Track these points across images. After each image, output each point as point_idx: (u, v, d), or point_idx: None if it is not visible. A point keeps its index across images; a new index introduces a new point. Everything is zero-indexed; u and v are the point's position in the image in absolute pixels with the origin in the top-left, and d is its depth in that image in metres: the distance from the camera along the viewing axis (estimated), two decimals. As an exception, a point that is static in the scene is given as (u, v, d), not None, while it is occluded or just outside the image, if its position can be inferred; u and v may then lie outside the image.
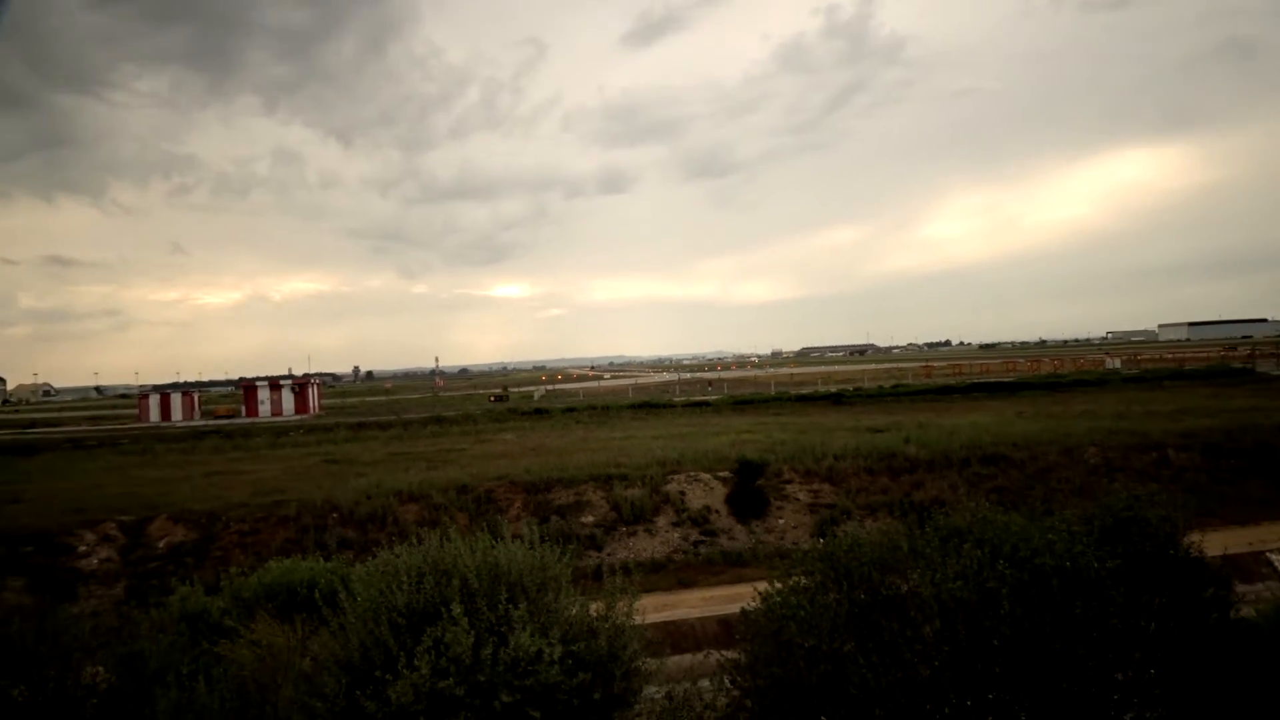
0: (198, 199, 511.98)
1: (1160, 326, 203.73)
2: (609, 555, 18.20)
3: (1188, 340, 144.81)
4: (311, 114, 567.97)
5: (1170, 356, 70.35)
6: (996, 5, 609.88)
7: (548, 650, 5.16)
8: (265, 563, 8.38)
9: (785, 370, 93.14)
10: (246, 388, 62.65)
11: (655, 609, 11.84)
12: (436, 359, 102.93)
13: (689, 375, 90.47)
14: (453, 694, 4.94)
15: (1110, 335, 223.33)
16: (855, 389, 49.37)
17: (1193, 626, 6.67)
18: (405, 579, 5.50)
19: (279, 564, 7.97)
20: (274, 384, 61.52)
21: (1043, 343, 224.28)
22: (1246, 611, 7.29)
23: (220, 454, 33.41)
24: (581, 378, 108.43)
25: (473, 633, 5.14)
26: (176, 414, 56.76)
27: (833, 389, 49.52)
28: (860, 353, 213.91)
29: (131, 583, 17.32)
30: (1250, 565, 14.78)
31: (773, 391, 50.03)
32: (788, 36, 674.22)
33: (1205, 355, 67.84)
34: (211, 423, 51.77)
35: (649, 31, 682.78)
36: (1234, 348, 76.70)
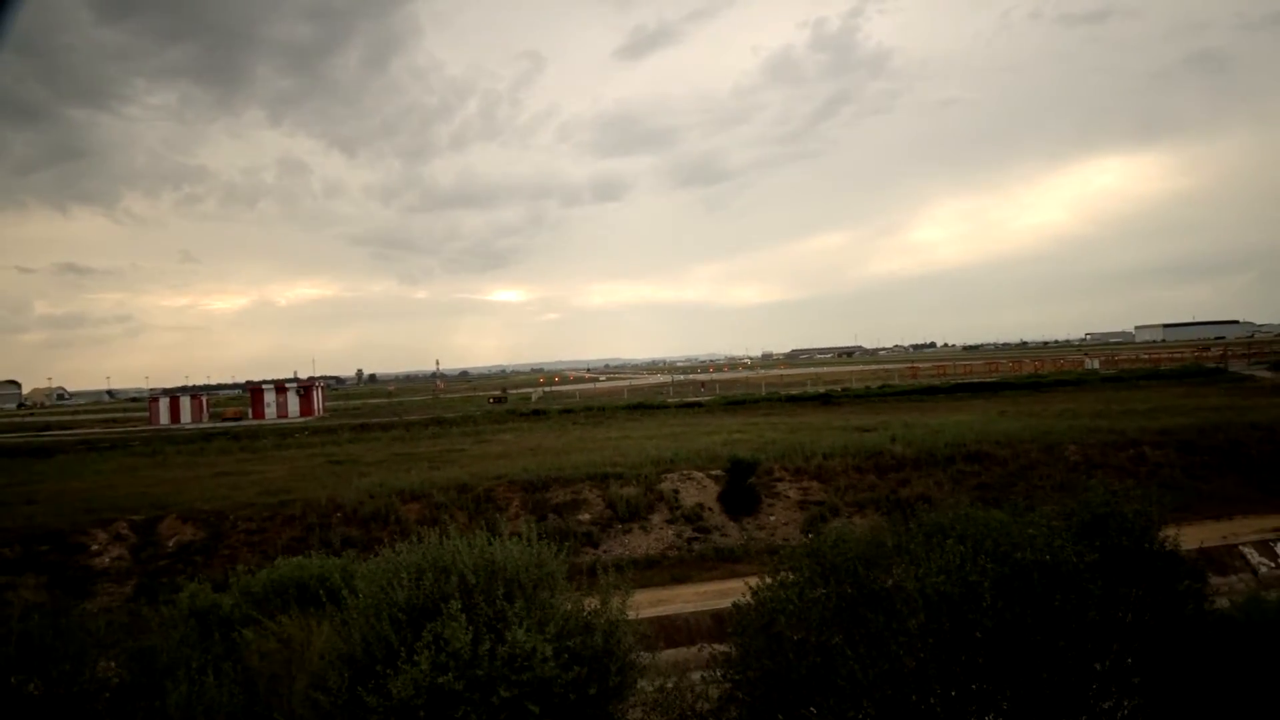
0: (207, 209, 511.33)
1: (1137, 328, 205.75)
2: (605, 552, 18.33)
3: (1163, 341, 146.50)
4: (316, 126, 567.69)
5: (1146, 357, 71.17)
6: (978, 19, 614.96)
7: (542, 647, 5.27)
8: (271, 560, 8.47)
9: (775, 371, 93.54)
10: (253, 390, 62.51)
11: (650, 604, 11.96)
12: (437, 362, 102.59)
13: (682, 377, 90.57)
14: (452, 689, 5.03)
15: (1089, 336, 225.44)
16: (843, 389, 49.64)
17: (1169, 618, 6.85)
18: (406, 576, 5.59)
19: (288, 561, 8.07)
20: (279, 387, 61.36)
21: (1024, 344, 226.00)
22: (1221, 603, 7.50)
23: (228, 455, 33.51)
24: (578, 380, 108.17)
25: (470, 629, 5.24)
26: (185, 416, 56.64)
27: (821, 389, 49.77)
28: (848, 354, 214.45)
29: (142, 580, 17.48)
30: (1224, 558, 15.07)
31: (763, 392, 50.24)
32: (776, 49, 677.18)
33: (1180, 356, 68.68)
34: (219, 425, 51.53)
35: (642, 45, 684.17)
36: (1207, 348, 77.77)
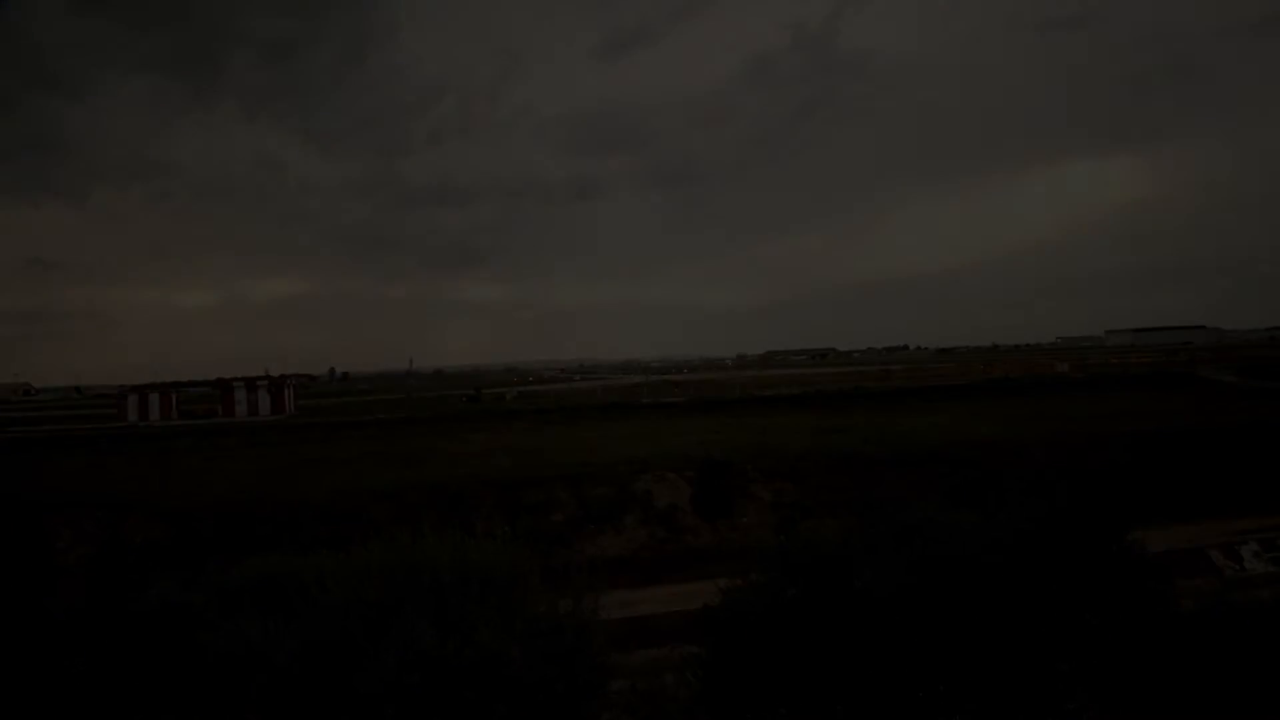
0: (178, 203, 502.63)
1: (1107, 332, 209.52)
2: (577, 553, 18.23)
3: (1132, 346, 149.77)
4: (291, 120, 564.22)
5: (1116, 361, 72.83)
6: (956, 24, 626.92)
7: (509, 648, 5.19)
8: (241, 559, 8.33)
9: (749, 373, 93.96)
10: (224, 388, 62.17)
11: (621, 604, 11.87)
12: (410, 360, 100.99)
13: (657, 377, 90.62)
14: (418, 689, 4.95)
15: (1059, 340, 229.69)
16: (817, 391, 50.03)
17: (1135, 619, 6.95)
18: (377, 574, 5.49)
19: (256, 559, 7.91)
20: (250, 384, 61.00)
21: (996, 347, 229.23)
22: (1187, 605, 7.63)
23: (197, 452, 33.16)
24: (553, 379, 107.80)
25: (438, 628, 5.16)
26: (154, 413, 56.07)
27: (795, 391, 50.12)
28: (821, 356, 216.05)
29: (108, 577, 16.96)
30: (1190, 561, 15.36)
31: (738, 394, 50.47)
32: (756, 50, 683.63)
33: (1149, 360, 70.28)
34: (189, 422, 51.17)
35: (621, 44, 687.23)
36: (1175, 353, 79.68)
